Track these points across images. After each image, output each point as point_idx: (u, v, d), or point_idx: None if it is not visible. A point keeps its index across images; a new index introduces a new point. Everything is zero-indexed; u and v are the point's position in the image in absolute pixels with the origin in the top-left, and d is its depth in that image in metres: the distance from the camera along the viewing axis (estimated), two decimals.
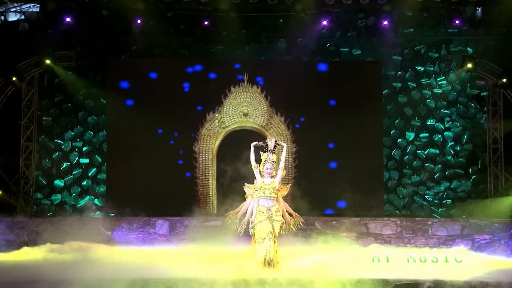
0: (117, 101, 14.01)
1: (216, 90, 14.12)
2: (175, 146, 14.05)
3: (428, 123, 14.58)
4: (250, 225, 8.98)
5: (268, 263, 8.66)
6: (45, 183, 14.23)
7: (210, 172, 14.01)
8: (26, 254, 10.67)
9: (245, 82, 14.18)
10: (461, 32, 14.38)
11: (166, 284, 7.94)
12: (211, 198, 13.96)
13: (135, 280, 7.97)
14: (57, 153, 14.34)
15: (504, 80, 13.70)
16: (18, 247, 11.44)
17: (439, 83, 14.60)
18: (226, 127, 14.13)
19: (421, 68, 14.64)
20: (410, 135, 14.55)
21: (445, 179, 14.41)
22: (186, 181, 13.93)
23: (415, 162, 14.49)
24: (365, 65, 14.62)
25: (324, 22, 13.75)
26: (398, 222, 12.48)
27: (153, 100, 14.06)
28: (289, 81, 14.02)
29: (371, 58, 14.65)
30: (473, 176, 14.37)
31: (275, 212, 8.86)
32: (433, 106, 14.58)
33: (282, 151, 9.21)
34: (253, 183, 9.09)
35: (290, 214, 9.21)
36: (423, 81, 14.63)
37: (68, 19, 13.51)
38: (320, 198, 13.06)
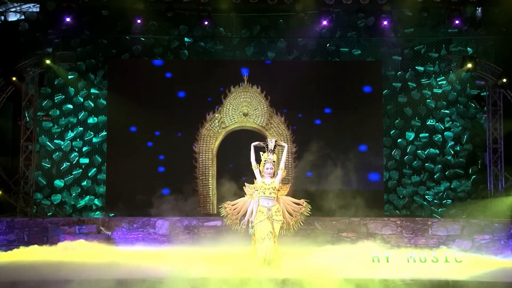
0: (117, 101, 13.99)
1: (216, 90, 14.12)
2: (175, 146, 14.03)
3: (428, 123, 14.58)
4: (250, 225, 9.00)
5: (268, 263, 8.68)
6: (45, 183, 14.22)
7: (210, 172, 14.01)
8: (26, 254, 10.67)
9: (245, 82, 14.18)
10: (461, 32, 14.37)
11: (166, 284, 7.95)
12: (211, 198, 13.96)
13: (134, 280, 7.98)
14: (57, 153, 14.34)
15: (504, 80, 13.68)
16: (18, 247, 11.43)
17: (439, 83, 14.60)
18: (226, 127, 14.13)
19: (421, 68, 14.64)
20: (410, 135, 14.55)
21: (445, 179, 14.41)
22: (186, 181, 13.92)
23: (415, 162, 14.50)
24: (365, 65, 14.62)
25: (324, 22, 13.72)
26: (398, 222, 12.47)
27: (153, 100, 14.05)
28: (289, 81, 14.01)
29: (371, 58, 14.65)
30: (473, 176, 14.37)
31: (275, 212, 8.88)
32: (433, 106, 14.58)
33: (282, 151, 9.23)
34: (253, 183, 9.11)
35: (290, 214, 9.23)
36: (423, 81, 14.63)
37: (68, 19, 13.47)
38: (320, 198, 13.04)
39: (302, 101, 14.11)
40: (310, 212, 9.26)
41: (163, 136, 14.05)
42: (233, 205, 9.28)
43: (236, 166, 13.31)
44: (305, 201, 9.21)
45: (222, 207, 9.33)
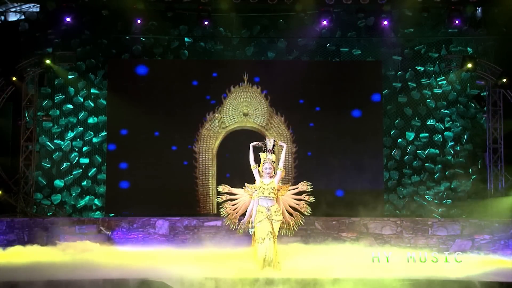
0: (117, 101, 13.99)
1: (216, 90, 14.12)
2: (175, 146, 14.03)
3: (428, 123, 14.58)
4: (250, 225, 9.01)
5: (268, 263, 8.69)
6: (45, 183, 14.22)
7: (210, 172, 14.01)
8: (26, 254, 10.66)
9: (245, 82, 14.18)
10: (461, 32, 14.37)
11: (166, 284, 7.95)
12: (211, 198, 13.97)
13: (134, 281, 7.98)
14: (57, 153, 14.34)
15: (504, 80, 13.69)
16: (18, 247, 11.42)
17: (439, 83, 14.60)
18: (226, 127, 14.13)
19: (421, 68, 14.64)
20: (410, 135, 14.55)
21: (445, 179, 14.41)
22: (186, 181, 13.93)
23: (415, 162, 14.50)
24: (365, 65, 14.61)
25: (324, 22, 13.72)
26: (398, 222, 12.48)
27: (153, 100, 14.05)
28: (289, 81, 14.01)
29: (371, 58, 14.65)
30: (473, 176, 14.36)
31: (275, 212, 8.89)
32: (433, 106, 14.58)
33: (281, 151, 9.23)
34: (254, 183, 9.12)
35: (290, 214, 9.24)
36: (423, 81, 14.63)
37: (68, 19, 13.47)
38: (320, 198, 13.03)
39: (302, 101, 14.10)
40: (310, 212, 9.27)
41: (162, 136, 14.03)
42: (233, 205, 9.30)
43: (236, 167, 13.26)
44: (305, 203, 9.21)
45: (222, 207, 9.35)
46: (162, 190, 13.75)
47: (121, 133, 14.00)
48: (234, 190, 9.32)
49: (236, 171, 12.59)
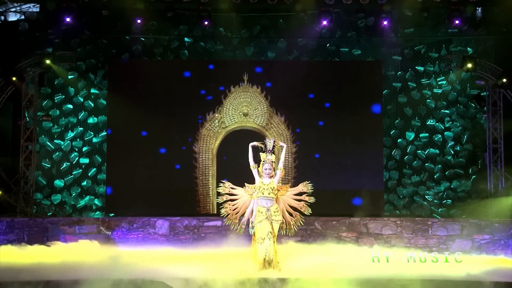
0: (117, 101, 13.99)
1: (216, 90, 14.12)
2: (174, 146, 14.04)
3: (428, 123, 14.58)
4: (250, 225, 9.02)
5: (268, 263, 8.69)
6: (45, 183, 14.22)
7: (210, 172, 14.01)
8: (26, 255, 10.66)
9: (245, 82, 14.18)
10: (461, 32, 14.37)
11: (166, 284, 7.96)
12: (211, 198, 13.97)
13: (134, 281, 7.98)
14: (57, 153, 14.34)
15: (504, 80, 13.69)
16: (18, 247, 11.42)
17: (439, 83, 14.60)
18: (226, 127, 14.13)
19: (421, 68, 14.64)
20: (410, 135, 14.55)
21: (445, 179, 14.41)
22: (186, 181, 13.93)
23: (415, 162, 14.49)
24: (365, 65, 14.61)
25: (324, 22, 13.72)
26: (398, 222, 12.48)
27: (153, 100, 14.05)
28: (289, 81, 14.01)
29: (371, 58, 14.65)
30: (473, 176, 14.36)
31: (274, 212, 8.89)
32: (433, 106, 14.58)
33: (281, 151, 9.24)
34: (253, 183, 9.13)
35: (290, 214, 9.24)
36: (423, 81, 14.63)
37: (68, 19, 13.47)
38: (320, 198, 13.02)
39: (302, 101, 14.10)
40: (310, 212, 9.28)
41: (162, 136, 14.04)
42: (233, 205, 9.30)
43: (235, 168, 13.25)
44: (305, 204, 9.22)
45: (222, 207, 9.36)
46: (162, 190, 13.75)
47: (121, 132, 14.00)
48: (234, 191, 9.32)
49: (235, 171, 12.58)
